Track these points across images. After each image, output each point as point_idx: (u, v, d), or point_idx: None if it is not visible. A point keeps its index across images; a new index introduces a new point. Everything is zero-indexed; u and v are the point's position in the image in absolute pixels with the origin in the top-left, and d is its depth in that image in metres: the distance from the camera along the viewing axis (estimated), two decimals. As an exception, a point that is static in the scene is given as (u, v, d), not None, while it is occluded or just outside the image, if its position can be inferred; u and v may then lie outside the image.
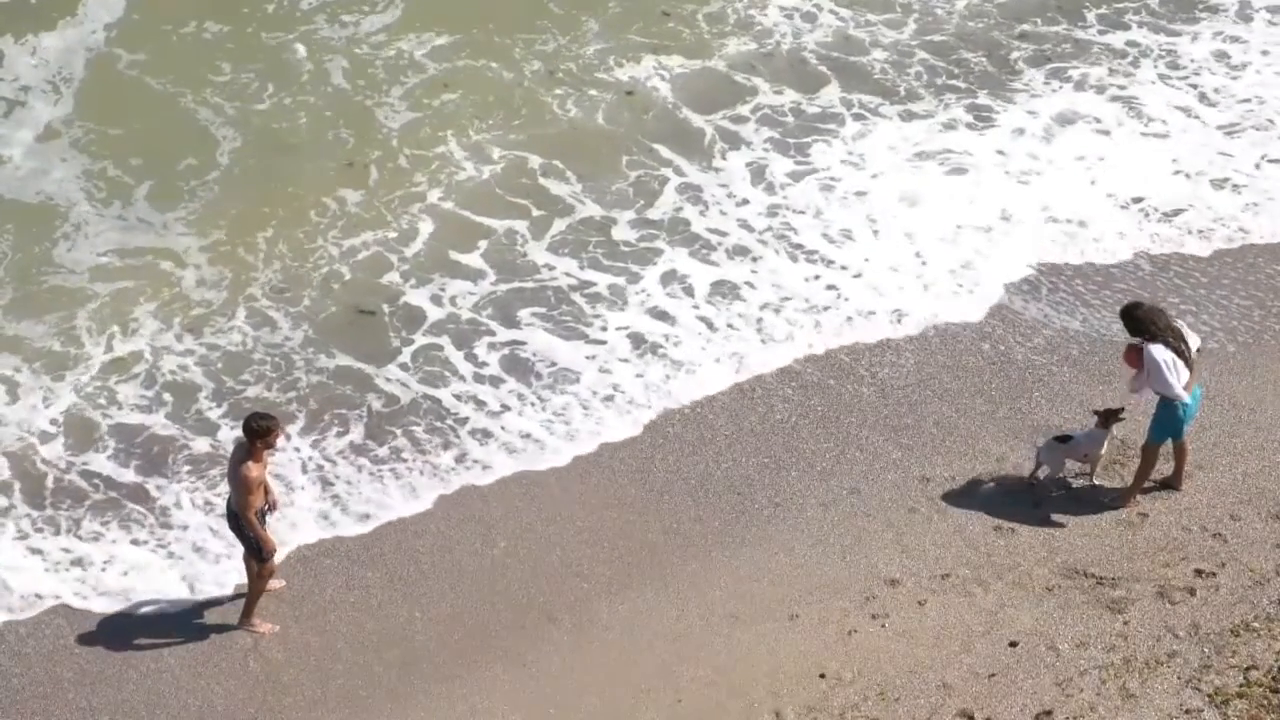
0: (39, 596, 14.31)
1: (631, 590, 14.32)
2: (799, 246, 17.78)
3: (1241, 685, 13.11)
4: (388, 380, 16.25)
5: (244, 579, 14.10)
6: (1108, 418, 14.76)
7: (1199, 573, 14.10)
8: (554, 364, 16.46)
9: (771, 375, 16.36)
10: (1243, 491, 14.86)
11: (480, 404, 16.06)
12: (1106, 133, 19.26)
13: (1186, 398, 14.26)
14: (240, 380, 16.25)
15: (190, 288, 17.21)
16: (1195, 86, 19.95)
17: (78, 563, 14.58)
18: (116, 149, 18.80)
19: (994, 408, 15.88)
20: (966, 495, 14.98)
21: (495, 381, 16.29)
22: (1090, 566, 14.22)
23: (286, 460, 15.35)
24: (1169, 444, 14.64)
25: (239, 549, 13.92)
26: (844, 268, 17.52)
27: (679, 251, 17.74)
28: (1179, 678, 13.25)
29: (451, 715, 13.42)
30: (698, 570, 14.45)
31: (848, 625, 13.86)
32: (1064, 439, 14.91)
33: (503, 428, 15.81)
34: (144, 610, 14.26)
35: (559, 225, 18.06)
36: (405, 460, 15.51)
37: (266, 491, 13.72)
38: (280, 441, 13.91)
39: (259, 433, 13.37)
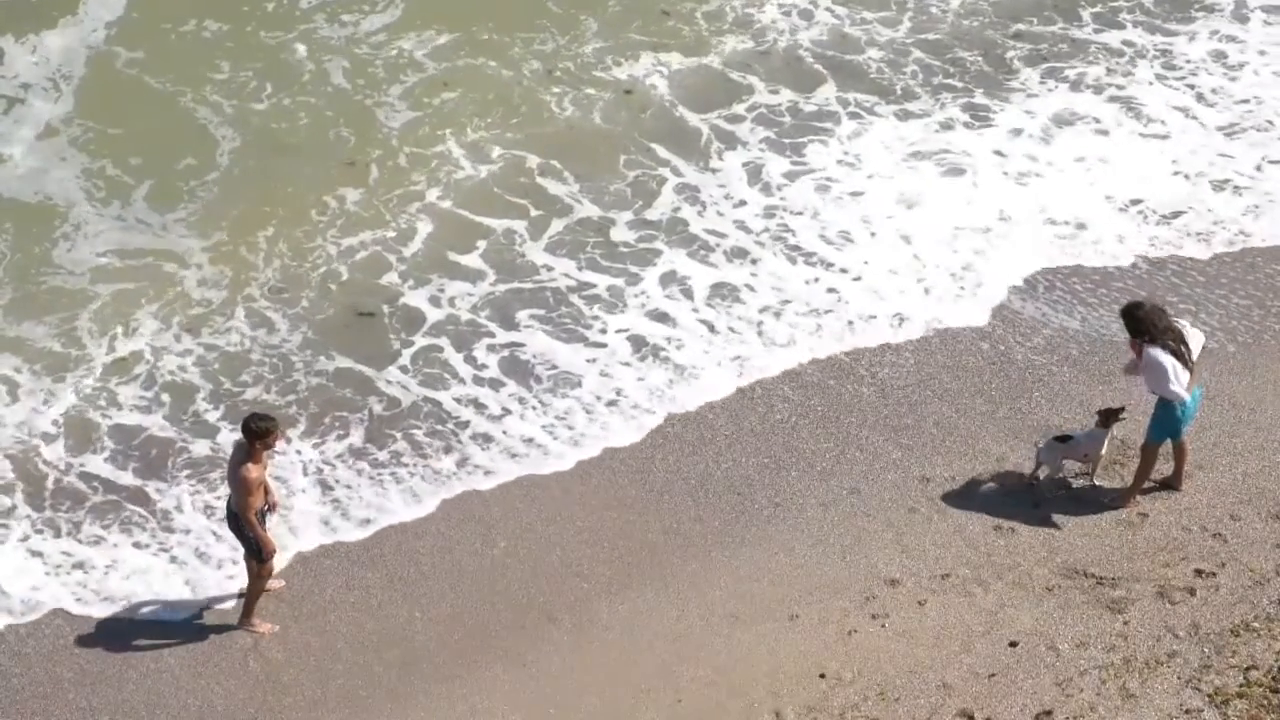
0: (40, 602, 14.29)
1: (631, 590, 14.33)
2: (797, 248, 17.77)
3: (1241, 685, 13.13)
4: (388, 383, 16.23)
5: (245, 581, 14.11)
6: (1108, 417, 14.76)
7: (1199, 573, 14.11)
8: (554, 367, 16.44)
9: (771, 375, 16.36)
10: (1243, 491, 14.87)
11: (481, 407, 16.04)
12: (1105, 133, 19.22)
13: (1186, 397, 14.28)
14: (239, 382, 16.23)
15: (190, 288, 17.19)
16: (1192, 87, 19.92)
17: (79, 566, 14.58)
18: (116, 148, 18.79)
19: (994, 408, 15.89)
20: (966, 495, 14.99)
21: (495, 384, 16.27)
22: (1090, 566, 14.23)
23: (288, 464, 15.35)
24: (1169, 444, 14.66)
25: (242, 554, 13.91)
26: (844, 270, 17.50)
27: (678, 253, 17.73)
28: (1179, 678, 13.26)
29: (451, 715, 13.43)
30: (698, 570, 14.46)
31: (848, 625, 13.87)
32: (1064, 439, 14.93)
33: (504, 432, 15.79)
34: (144, 610, 14.25)
35: (557, 225, 18.05)
36: (406, 465, 15.49)
37: (266, 492, 13.71)
38: (281, 445, 13.89)
39: (258, 434, 13.37)
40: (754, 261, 17.61)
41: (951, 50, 20.53)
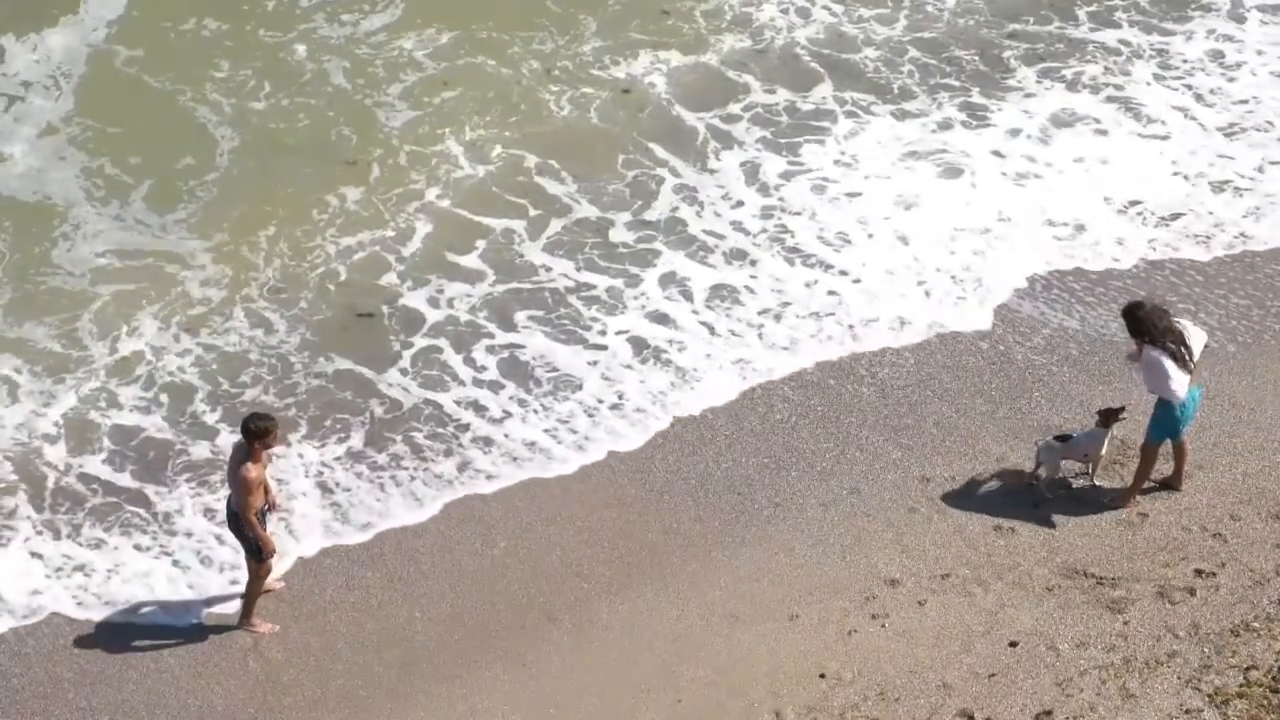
0: (41, 606, 14.28)
1: (631, 590, 14.33)
2: (795, 250, 17.75)
3: (1241, 685, 13.14)
4: (388, 385, 16.22)
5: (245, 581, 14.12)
6: (1107, 417, 14.77)
7: (1199, 573, 14.12)
8: (555, 369, 16.42)
9: (774, 379, 16.34)
10: (1243, 491, 14.88)
11: (482, 410, 16.02)
12: (1104, 133, 19.19)
13: (1184, 397, 14.29)
14: (239, 384, 16.22)
15: (190, 288, 17.18)
16: (1190, 87, 19.89)
17: (80, 569, 14.57)
18: (116, 147, 18.78)
19: (994, 408, 15.89)
20: (966, 495, 15.00)
21: (495, 387, 16.25)
22: (1090, 566, 14.24)
23: (289, 467, 15.33)
24: (1169, 444, 14.67)
25: (243, 554, 13.91)
26: (843, 272, 17.47)
27: (676, 254, 17.71)
28: (1179, 678, 13.27)
29: (451, 715, 13.43)
30: (698, 570, 14.46)
31: (848, 625, 13.88)
32: (1064, 439, 14.93)
33: (506, 435, 15.77)
34: (144, 610, 14.25)
35: (555, 226, 18.04)
36: (407, 468, 15.47)
37: (266, 492, 13.71)
38: (281, 448, 13.87)
39: (257, 434, 13.37)
40: (753, 263, 17.59)
41: (948, 49, 20.51)
